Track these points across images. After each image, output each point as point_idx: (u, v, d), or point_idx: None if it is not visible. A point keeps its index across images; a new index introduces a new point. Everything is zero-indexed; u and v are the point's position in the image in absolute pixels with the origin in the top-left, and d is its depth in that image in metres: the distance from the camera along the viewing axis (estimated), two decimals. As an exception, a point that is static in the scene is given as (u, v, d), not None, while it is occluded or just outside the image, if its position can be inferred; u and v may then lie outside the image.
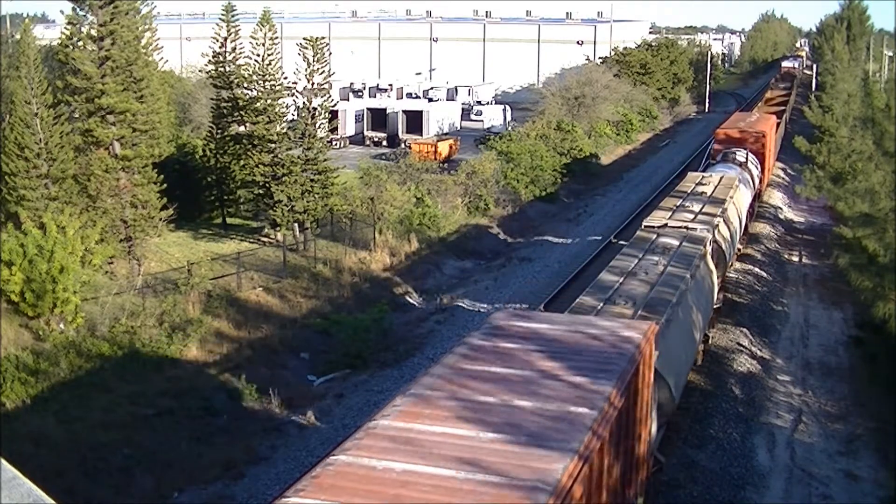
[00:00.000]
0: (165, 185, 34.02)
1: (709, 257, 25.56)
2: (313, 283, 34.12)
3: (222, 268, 34.29)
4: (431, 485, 9.55)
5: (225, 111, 41.85)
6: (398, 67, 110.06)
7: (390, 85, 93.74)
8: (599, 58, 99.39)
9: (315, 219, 39.61)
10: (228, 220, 42.75)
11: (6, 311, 26.49)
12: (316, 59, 38.70)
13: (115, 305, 28.55)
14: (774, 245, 41.62)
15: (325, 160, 39.50)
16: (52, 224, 27.82)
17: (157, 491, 19.73)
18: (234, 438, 22.40)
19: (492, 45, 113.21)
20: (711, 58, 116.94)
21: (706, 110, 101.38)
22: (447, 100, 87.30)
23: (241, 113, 40.82)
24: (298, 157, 38.53)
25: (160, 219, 33.56)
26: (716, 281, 25.93)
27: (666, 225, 27.20)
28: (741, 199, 34.41)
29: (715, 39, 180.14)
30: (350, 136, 69.22)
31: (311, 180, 38.66)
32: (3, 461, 12.64)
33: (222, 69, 42.47)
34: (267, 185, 38.19)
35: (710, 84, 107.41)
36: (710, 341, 26.47)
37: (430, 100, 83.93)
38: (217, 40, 42.92)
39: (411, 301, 34.43)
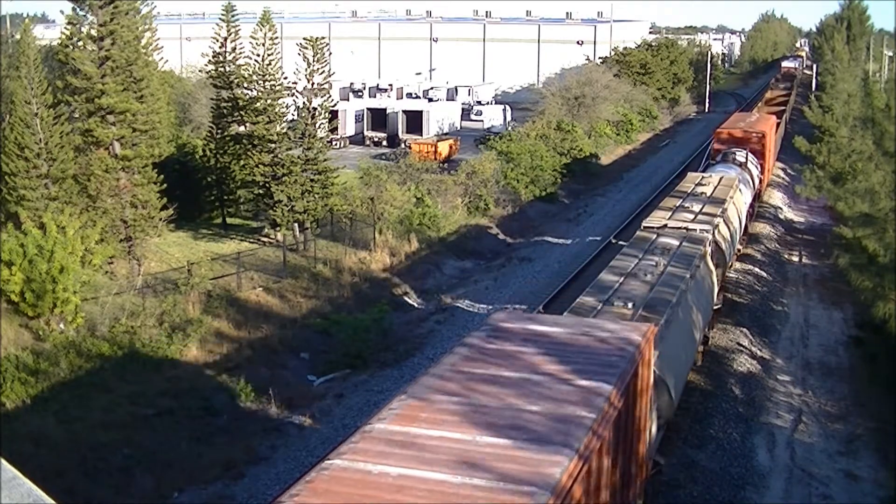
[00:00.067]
0: (165, 185, 34.02)
1: (709, 258, 25.56)
2: (313, 283, 34.13)
3: (222, 268, 34.30)
4: (427, 489, 9.48)
5: (225, 111, 41.86)
6: (398, 67, 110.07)
7: (390, 85, 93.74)
8: (599, 58, 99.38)
9: (315, 219, 39.62)
10: (228, 220, 42.76)
11: (6, 311, 26.50)
12: (316, 59, 38.71)
13: (115, 305, 28.56)
14: (774, 245, 41.62)
15: (325, 160, 39.51)
16: (52, 224, 27.83)
17: (157, 491, 19.74)
18: (234, 438, 22.41)
19: (492, 45, 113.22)
20: (711, 58, 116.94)
21: (706, 110, 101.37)
22: (447, 100, 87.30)
23: (241, 113, 40.83)
24: (298, 157, 38.54)
25: (160, 219, 33.57)
26: (716, 281, 25.93)
27: (666, 225, 27.21)
28: (741, 200, 34.41)
29: (715, 39, 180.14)
30: (350, 136, 69.23)
31: (311, 180, 38.66)
32: (3, 461, 12.65)
33: (222, 69, 42.47)
34: (267, 185, 38.19)
35: (710, 84, 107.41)
36: (709, 342, 26.47)
37: (430, 100, 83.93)
38: (217, 40, 42.93)
39: (411, 301, 34.45)
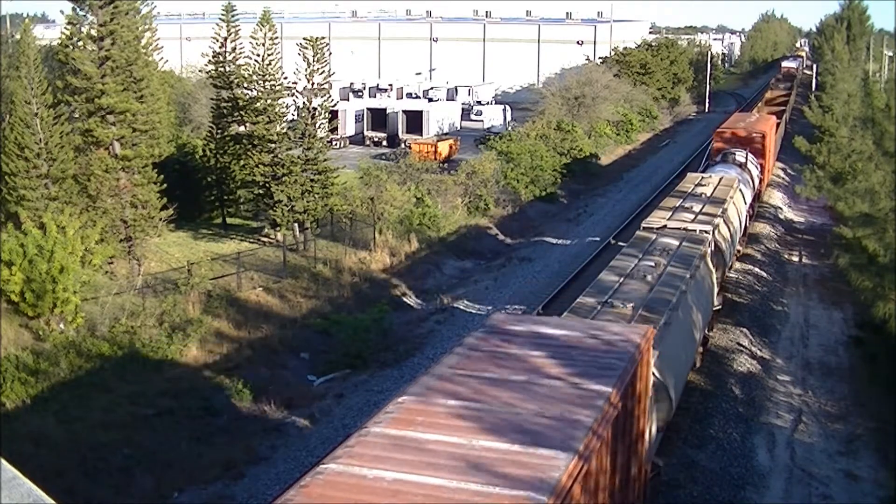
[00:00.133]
0: (165, 185, 34.03)
1: (708, 258, 25.55)
2: (313, 283, 34.13)
3: (222, 268, 34.30)
4: (423, 493, 9.36)
5: (225, 111, 41.87)
6: (398, 67, 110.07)
7: (390, 85, 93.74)
8: (599, 58, 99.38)
9: (315, 219, 39.62)
10: (228, 220, 42.76)
11: (6, 311, 26.50)
12: (316, 59, 38.71)
13: (115, 305, 28.56)
14: (774, 245, 41.62)
15: (325, 160, 39.51)
16: (52, 224, 27.84)
17: (157, 491, 19.73)
18: (234, 438, 22.40)
19: (492, 45, 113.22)
20: (711, 58, 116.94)
21: (706, 110, 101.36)
22: (447, 100, 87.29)
23: (241, 113, 40.83)
24: (298, 157, 38.54)
25: (160, 219, 33.57)
26: (715, 281, 25.93)
27: (665, 226, 27.21)
28: (741, 200, 34.41)
29: (715, 39, 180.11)
30: (350, 136, 69.23)
31: (311, 180, 38.67)
32: (3, 461, 12.65)
33: (222, 69, 42.48)
34: (267, 185, 38.20)
35: (710, 84, 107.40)
36: (709, 343, 26.46)
37: (430, 100, 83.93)
38: (217, 40, 42.93)
39: (411, 301, 34.44)
